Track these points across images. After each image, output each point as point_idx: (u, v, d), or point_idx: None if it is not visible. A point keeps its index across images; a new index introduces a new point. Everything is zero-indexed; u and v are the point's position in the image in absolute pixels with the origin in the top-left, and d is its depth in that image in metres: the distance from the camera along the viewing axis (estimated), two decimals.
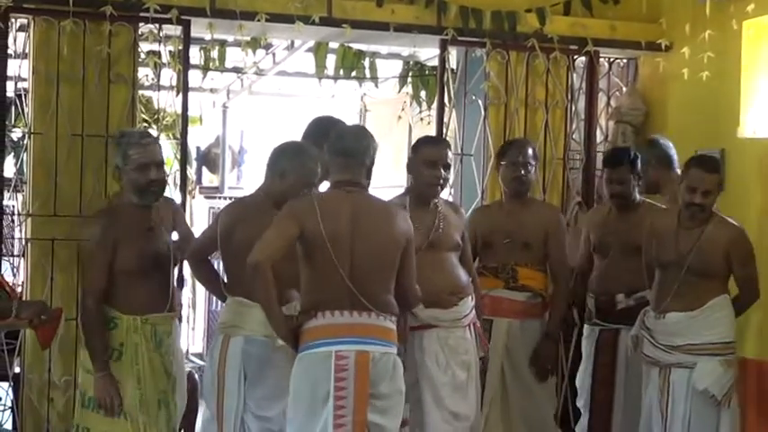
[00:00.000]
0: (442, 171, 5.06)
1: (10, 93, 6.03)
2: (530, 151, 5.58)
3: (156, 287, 4.66)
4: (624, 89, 7.13)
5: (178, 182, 6.25)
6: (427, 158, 5.07)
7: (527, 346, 5.46)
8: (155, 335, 4.65)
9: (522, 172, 5.50)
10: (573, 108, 6.86)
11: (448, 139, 6.63)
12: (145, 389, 4.58)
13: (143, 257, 4.58)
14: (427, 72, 8.54)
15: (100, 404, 4.53)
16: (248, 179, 12.62)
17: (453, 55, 6.80)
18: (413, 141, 5.58)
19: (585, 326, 5.80)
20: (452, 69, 6.77)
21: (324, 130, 4.95)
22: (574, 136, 6.90)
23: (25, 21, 5.98)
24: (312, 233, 4.20)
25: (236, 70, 9.37)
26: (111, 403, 4.51)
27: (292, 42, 8.07)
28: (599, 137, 7.03)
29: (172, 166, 6.48)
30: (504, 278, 5.50)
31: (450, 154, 5.18)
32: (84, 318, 4.58)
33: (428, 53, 8.03)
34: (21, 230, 6.03)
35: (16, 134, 6.67)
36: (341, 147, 4.38)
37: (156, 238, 4.67)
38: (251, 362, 4.56)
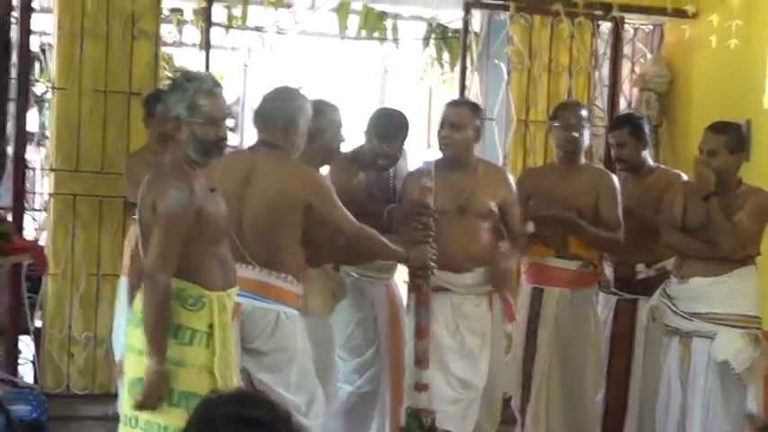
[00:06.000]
0: (448, 130, 4.99)
1: (34, 47, 6.03)
2: (582, 113, 5.41)
3: (229, 256, 3.97)
4: (649, 56, 7.08)
5: None
6: (441, 119, 5.08)
7: (576, 317, 5.33)
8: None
9: (575, 134, 5.31)
10: (597, 74, 6.82)
11: None
12: (230, 380, 3.79)
13: (219, 222, 3.87)
14: (450, 35, 8.49)
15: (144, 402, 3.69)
16: None
17: (477, 18, 6.76)
18: (433, 103, 5.52)
19: (601, 294, 5.67)
20: (475, 32, 6.73)
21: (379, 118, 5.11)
22: (597, 102, 6.87)
23: None
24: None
25: (258, 29, 9.34)
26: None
27: (314, 2, 8.03)
28: (622, 104, 6.99)
29: None
30: (554, 246, 5.33)
31: (463, 113, 5.03)
32: (155, 297, 3.68)
33: (451, 15, 7.98)
34: (43, 185, 6.05)
35: (40, 89, 6.68)
36: (255, 111, 4.39)
37: (221, 201, 3.93)
38: None
